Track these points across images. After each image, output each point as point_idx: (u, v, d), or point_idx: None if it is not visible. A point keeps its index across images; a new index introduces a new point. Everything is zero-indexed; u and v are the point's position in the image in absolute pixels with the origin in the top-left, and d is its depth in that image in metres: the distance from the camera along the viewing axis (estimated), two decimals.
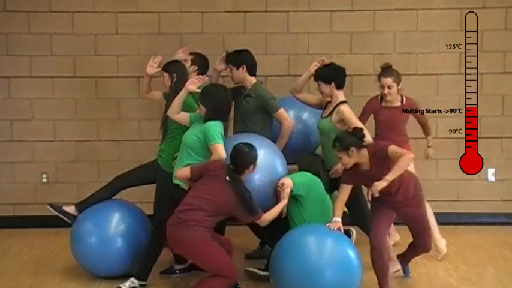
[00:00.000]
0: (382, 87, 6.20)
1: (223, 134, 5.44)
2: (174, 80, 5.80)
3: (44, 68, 7.67)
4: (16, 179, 7.74)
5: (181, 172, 5.37)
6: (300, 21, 7.67)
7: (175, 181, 5.51)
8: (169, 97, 5.74)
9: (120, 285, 5.62)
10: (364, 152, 5.29)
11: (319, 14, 7.66)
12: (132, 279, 5.66)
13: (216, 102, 5.46)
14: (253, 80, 5.87)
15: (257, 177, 5.39)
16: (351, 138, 5.30)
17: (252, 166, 5.24)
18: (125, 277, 5.75)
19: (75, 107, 7.71)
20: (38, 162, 7.73)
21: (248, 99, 5.82)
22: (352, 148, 5.25)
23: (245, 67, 5.83)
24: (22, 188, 7.75)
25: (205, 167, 5.28)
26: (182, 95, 5.62)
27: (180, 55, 6.25)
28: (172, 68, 5.87)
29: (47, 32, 7.63)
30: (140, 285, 5.68)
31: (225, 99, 5.54)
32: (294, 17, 7.67)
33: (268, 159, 5.48)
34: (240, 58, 5.86)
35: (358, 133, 5.33)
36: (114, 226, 5.82)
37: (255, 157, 5.25)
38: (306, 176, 5.58)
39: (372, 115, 6.34)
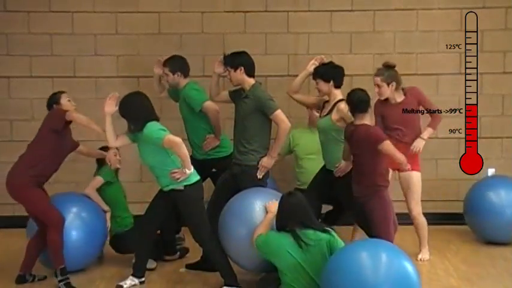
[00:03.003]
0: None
1: (160, 127, 5.46)
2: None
3: (44, 68, 7.68)
4: None
5: None
6: (300, 21, 7.67)
7: (167, 188, 5.55)
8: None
9: (121, 283, 5.67)
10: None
11: (319, 14, 7.67)
12: (131, 277, 5.73)
13: (134, 111, 5.53)
14: (251, 81, 5.85)
15: None
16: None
17: None
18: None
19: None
20: None
21: (246, 101, 5.80)
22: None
23: (242, 68, 5.81)
24: None
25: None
26: (107, 122, 5.67)
27: (157, 71, 6.38)
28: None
29: (47, 32, 7.64)
30: (139, 282, 5.75)
31: (141, 106, 5.56)
32: (294, 17, 7.68)
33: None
34: (237, 60, 5.84)
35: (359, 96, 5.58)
36: (69, 221, 5.87)
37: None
38: (270, 248, 5.04)
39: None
